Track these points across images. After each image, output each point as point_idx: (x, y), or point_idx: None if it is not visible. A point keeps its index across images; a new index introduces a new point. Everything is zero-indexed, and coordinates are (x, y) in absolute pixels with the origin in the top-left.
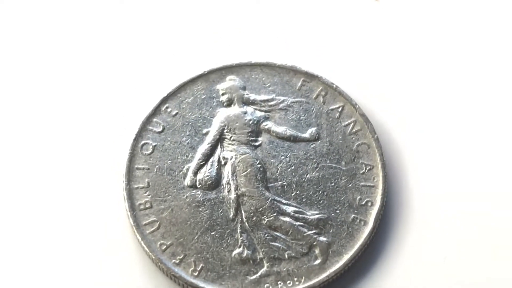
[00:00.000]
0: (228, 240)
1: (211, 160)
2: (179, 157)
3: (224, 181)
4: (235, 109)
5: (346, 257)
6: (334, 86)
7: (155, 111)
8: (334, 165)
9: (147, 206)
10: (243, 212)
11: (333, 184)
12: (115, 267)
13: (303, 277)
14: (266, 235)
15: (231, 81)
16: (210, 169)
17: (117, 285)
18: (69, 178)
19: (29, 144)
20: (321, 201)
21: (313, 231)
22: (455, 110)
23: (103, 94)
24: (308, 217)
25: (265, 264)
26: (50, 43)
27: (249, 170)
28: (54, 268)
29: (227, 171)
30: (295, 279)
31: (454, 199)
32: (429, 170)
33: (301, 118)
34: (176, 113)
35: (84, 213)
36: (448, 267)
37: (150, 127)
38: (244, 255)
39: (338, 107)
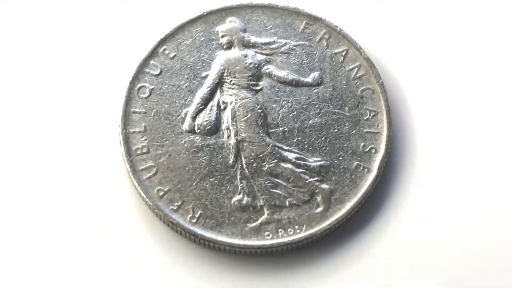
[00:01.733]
0: (228, 187)
1: (210, 104)
2: (177, 101)
3: (223, 126)
4: (235, 52)
5: (348, 205)
6: (338, 29)
7: (152, 53)
8: (337, 110)
9: (144, 151)
10: (243, 158)
11: (336, 130)
12: (111, 214)
13: (304, 225)
14: (266, 182)
15: (231, 22)
16: (209, 113)
17: (113, 232)
18: (64, 123)
19: (20, 90)
20: (324, 148)
21: (315, 178)
22: (465, 55)
23: (99, 35)
24: (310, 164)
25: (266, 212)
26: None
27: (249, 115)
28: (47, 216)
29: (226, 116)
30: (296, 227)
31: (459, 147)
32: (434, 117)
33: (304, 62)
34: (174, 56)
35: (79, 158)
36: (452, 215)
37: (147, 70)
38: (244, 202)
39: (342, 51)
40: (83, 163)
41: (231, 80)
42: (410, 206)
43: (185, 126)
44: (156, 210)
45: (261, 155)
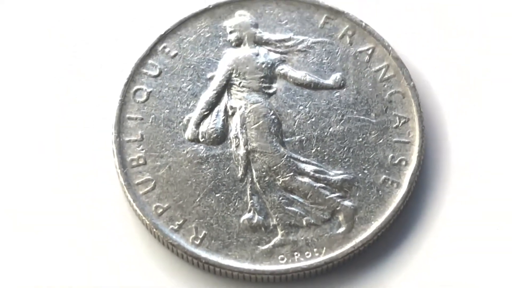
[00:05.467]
0: (236, 204)
1: (216, 109)
2: (178, 105)
3: (231, 135)
4: (246, 50)
5: (375, 224)
6: (363, 24)
7: (151, 52)
8: (362, 117)
9: (140, 162)
10: (253, 171)
11: (360, 139)
12: (104, 233)
13: (324, 248)
14: (280, 198)
15: (240, 17)
16: (215, 120)
17: (106, 253)
18: (53, 130)
19: (13, 93)
20: (346, 159)
21: (337, 194)
22: (504, 53)
23: (92, 31)
24: (330, 177)
25: (280, 232)
26: None
27: (261, 122)
28: (36, 233)
29: (235, 122)
30: (315, 249)
31: (500, 159)
32: (473, 124)
33: (324, 61)
34: (176, 54)
35: (69, 170)
36: (491, 237)
37: (145, 70)
38: (255, 221)
39: (368, 49)
40: (71, 176)
41: (240, 82)
42: (444, 226)
43: (188, 134)
44: (154, 229)
45: (275, 167)
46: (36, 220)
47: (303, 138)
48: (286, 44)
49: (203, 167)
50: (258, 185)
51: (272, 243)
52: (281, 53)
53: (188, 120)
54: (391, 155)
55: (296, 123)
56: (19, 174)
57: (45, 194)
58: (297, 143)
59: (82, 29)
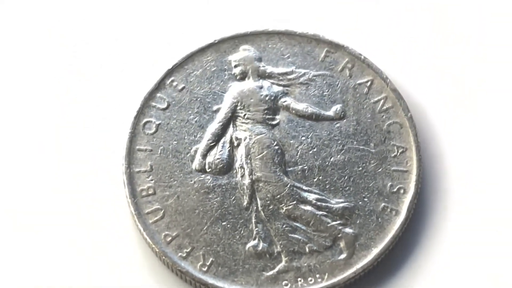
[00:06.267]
0: (242, 232)
1: (222, 141)
2: (186, 137)
3: (237, 165)
4: (250, 83)
5: (375, 251)
6: (362, 57)
7: (159, 85)
8: (361, 147)
9: (150, 192)
10: (258, 199)
11: (360, 168)
12: (114, 260)
13: (326, 274)
14: (284, 226)
15: (245, 51)
16: (221, 151)
17: (116, 280)
18: (64, 161)
19: (23, 119)
20: (347, 188)
21: (338, 222)
22: (498, 83)
23: (101, 66)
24: (332, 205)
25: (283, 259)
26: (47, 13)
27: (265, 152)
28: (48, 259)
29: (240, 153)
30: (317, 275)
31: (496, 186)
32: (468, 154)
33: (325, 93)
34: (183, 88)
35: (80, 200)
36: (489, 262)
37: (153, 104)
38: (260, 248)
39: (367, 82)
40: (84, 206)
41: (245, 114)
42: (442, 252)
43: (195, 164)
44: (163, 257)
45: (278, 196)
46: (49, 249)
47: (306, 167)
48: (289, 77)
49: (210, 196)
50: (262, 214)
51: (276, 269)
52: (284, 85)
53: (195, 151)
54: (390, 183)
55: (298, 153)
56: (25, 185)
57: (57, 218)
58: (299, 172)
59: (96, 66)
